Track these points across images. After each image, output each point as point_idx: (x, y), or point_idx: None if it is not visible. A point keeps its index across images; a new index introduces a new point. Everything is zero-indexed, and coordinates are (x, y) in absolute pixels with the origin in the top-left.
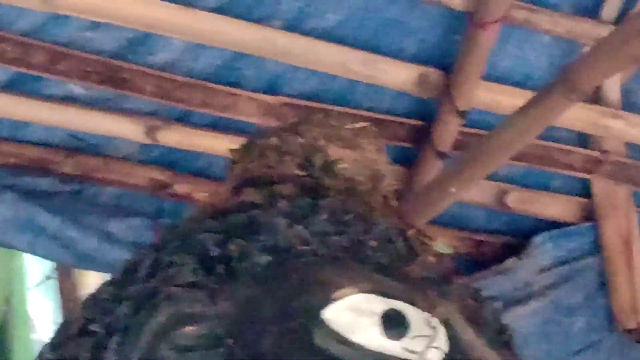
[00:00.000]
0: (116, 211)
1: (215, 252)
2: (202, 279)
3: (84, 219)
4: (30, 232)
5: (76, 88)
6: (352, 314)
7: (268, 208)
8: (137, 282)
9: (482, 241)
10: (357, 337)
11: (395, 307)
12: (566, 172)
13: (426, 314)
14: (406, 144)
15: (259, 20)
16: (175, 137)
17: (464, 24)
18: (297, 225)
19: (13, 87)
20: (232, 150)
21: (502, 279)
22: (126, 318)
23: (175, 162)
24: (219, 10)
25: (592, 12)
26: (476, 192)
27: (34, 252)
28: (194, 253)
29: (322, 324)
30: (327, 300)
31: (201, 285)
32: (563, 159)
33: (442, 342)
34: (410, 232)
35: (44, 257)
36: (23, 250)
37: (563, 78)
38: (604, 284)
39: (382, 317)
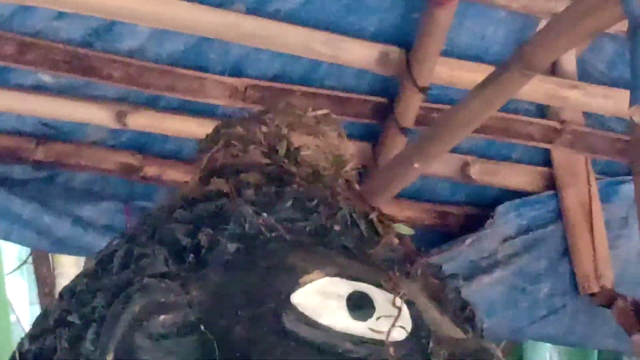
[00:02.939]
0: (88, 196)
1: (185, 241)
2: (174, 268)
3: (57, 204)
4: (5, 219)
5: (45, 77)
6: (320, 297)
7: (235, 197)
8: (111, 274)
9: (446, 212)
10: (324, 320)
11: (360, 289)
12: (527, 143)
13: (390, 295)
14: (370, 121)
15: (221, 5)
16: (144, 121)
17: (422, 2)
18: (264, 213)
19: None
20: (199, 141)
21: (467, 249)
22: (102, 309)
23: (144, 145)
24: None
25: None
26: (439, 164)
27: (9, 239)
28: (165, 243)
29: (291, 308)
30: (295, 285)
31: (173, 275)
32: (523, 130)
33: (406, 321)
34: (372, 215)
35: (20, 243)
36: None
37: (519, 55)
38: (566, 251)
39: (348, 299)
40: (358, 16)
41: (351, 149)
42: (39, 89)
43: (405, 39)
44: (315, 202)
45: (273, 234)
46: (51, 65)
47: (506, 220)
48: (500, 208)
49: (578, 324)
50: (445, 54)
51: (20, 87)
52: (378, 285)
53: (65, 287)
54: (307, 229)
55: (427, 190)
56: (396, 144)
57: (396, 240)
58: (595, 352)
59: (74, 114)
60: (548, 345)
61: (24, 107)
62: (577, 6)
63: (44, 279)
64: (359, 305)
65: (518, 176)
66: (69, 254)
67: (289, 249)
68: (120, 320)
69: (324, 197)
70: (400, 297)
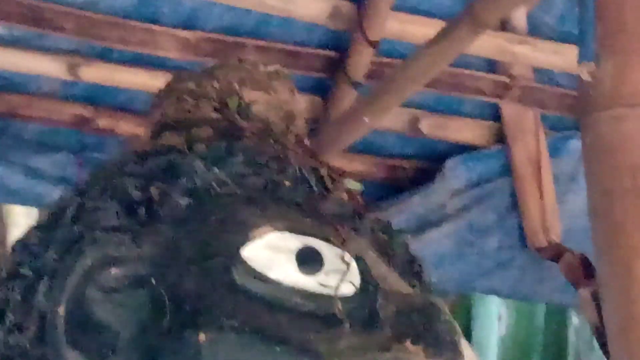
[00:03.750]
0: (41, 147)
1: (136, 196)
2: (125, 222)
3: (9, 155)
4: None
5: None
6: (269, 251)
7: (186, 151)
8: (63, 227)
9: (397, 166)
10: (274, 274)
11: (309, 244)
12: (476, 98)
13: (339, 250)
14: (321, 75)
15: None
16: (96, 73)
17: None
18: (214, 168)
19: None
20: (153, 96)
21: (416, 203)
22: (54, 262)
23: (97, 97)
24: None
25: None
26: (390, 118)
27: None
28: (116, 197)
29: (240, 262)
30: (245, 239)
31: (124, 228)
32: (473, 84)
33: (354, 276)
34: (322, 171)
35: None
36: None
37: (469, 11)
38: (515, 205)
39: (298, 254)
40: None
41: (302, 105)
42: None
43: None
44: (265, 157)
45: (224, 189)
46: (3, 17)
47: (455, 174)
48: (449, 162)
49: (526, 277)
50: (397, 8)
51: None
52: (327, 240)
53: (17, 240)
54: (258, 184)
55: (377, 144)
56: (347, 98)
57: (345, 196)
58: (543, 305)
59: (26, 66)
60: (497, 299)
61: None
62: None
63: None
64: (308, 260)
65: (468, 130)
66: (21, 204)
67: (240, 204)
68: (72, 273)
69: (275, 152)
70: (349, 252)
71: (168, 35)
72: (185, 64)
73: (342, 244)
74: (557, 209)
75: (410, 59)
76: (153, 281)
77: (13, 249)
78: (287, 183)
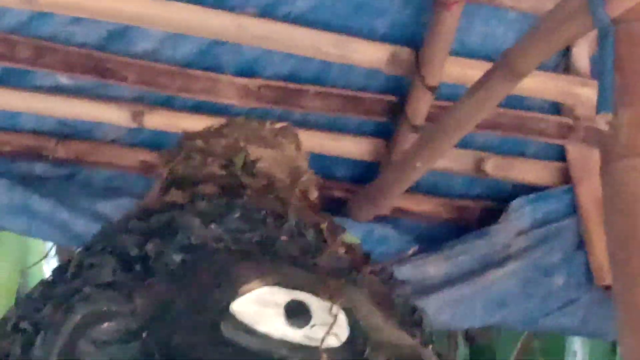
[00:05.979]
0: (107, 192)
1: (134, 252)
2: (121, 278)
3: (76, 201)
4: (25, 215)
5: (63, 79)
6: (258, 306)
7: (187, 208)
8: (64, 283)
9: (463, 207)
10: (262, 327)
11: (298, 298)
12: (541, 139)
13: (328, 303)
14: (382, 119)
15: (233, 9)
16: (160, 121)
17: (430, 5)
18: (212, 224)
19: (3, 81)
20: (161, 153)
21: (481, 243)
22: (49, 317)
23: (162, 144)
24: (195, 0)
25: None
26: (455, 160)
27: (29, 235)
28: (115, 254)
29: (230, 316)
30: (235, 294)
31: (119, 284)
32: (537, 126)
33: (342, 328)
34: (323, 225)
35: (40, 238)
36: (19, 233)
37: (503, 62)
38: (581, 244)
39: (286, 307)
40: (367, 18)
41: (306, 160)
42: (57, 90)
43: (414, 39)
44: (263, 213)
45: (219, 245)
46: (68, 68)
47: (520, 215)
48: (514, 203)
49: (592, 315)
50: (457, 53)
51: (39, 89)
52: (316, 294)
53: (24, 294)
54: (254, 240)
55: (443, 185)
56: (408, 141)
57: (343, 249)
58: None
59: (91, 114)
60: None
61: (44, 107)
62: (552, 17)
63: None
64: (296, 314)
65: (533, 171)
66: None
67: (234, 259)
68: (62, 328)
69: (274, 208)
70: (339, 305)
71: (229, 83)
72: (246, 110)
73: (330, 297)
74: None
75: (453, 108)
76: (144, 335)
77: (19, 302)
78: (283, 238)
